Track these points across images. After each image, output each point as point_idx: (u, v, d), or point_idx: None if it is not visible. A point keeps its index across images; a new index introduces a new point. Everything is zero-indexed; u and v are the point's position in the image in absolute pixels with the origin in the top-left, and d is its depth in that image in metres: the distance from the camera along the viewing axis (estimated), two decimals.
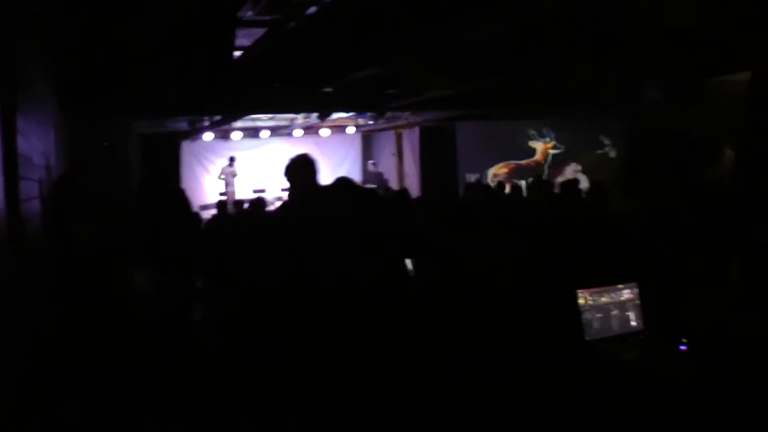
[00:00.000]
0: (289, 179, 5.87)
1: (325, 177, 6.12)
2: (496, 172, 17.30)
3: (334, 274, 5.56)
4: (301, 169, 5.95)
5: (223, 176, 18.72)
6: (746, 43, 5.94)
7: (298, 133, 17.95)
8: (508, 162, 17.47)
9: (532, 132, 17.43)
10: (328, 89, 11.96)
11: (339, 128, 18.39)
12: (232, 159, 18.63)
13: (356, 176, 18.59)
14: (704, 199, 7.19)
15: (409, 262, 6.65)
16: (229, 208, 13.56)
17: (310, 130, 18.05)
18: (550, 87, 12.38)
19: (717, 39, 8.08)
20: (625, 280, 4.73)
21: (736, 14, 6.90)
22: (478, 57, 9.18)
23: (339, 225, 5.76)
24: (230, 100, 11.95)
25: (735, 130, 6.11)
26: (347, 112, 15.66)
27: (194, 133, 16.69)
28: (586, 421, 4.59)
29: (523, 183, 15.21)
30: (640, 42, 8.25)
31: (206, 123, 15.70)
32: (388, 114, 15.58)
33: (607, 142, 17.08)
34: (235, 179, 18.71)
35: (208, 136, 17.24)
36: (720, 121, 9.73)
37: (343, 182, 6.43)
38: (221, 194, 17.59)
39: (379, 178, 19.01)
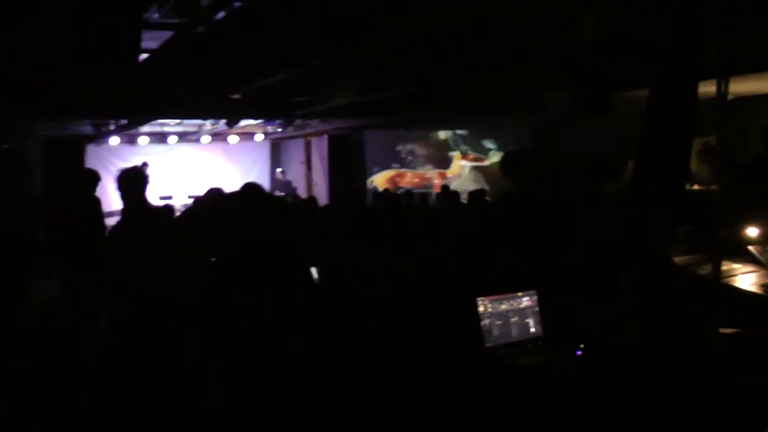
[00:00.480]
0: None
1: (233, 184, 6.12)
2: (376, 180, 17.52)
3: (239, 279, 5.55)
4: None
5: None
6: (646, 59, 6.14)
7: (206, 139, 17.79)
8: (390, 171, 17.68)
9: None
10: (236, 96, 11.89)
11: (247, 135, 18.26)
12: (144, 164, 18.28)
13: (264, 184, 18.46)
14: (603, 211, 7.40)
15: (314, 270, 6.68)
16: None
17: (219, 136, 17.89)
18: (457, 96, 12.52)
19: (619, 54, 8.32)
20: (525, 288, 4.83)
21: (637, 31, 7.11)
22: (386, 65, 9.25)
23: (245, 231, 5.75)
24: (135, 104, 11.72)
25: (636, 145, 6.29)
26: (255, 119, 15.55)
27: (100, 136, 16.32)
28: (485, 427, 4.68)
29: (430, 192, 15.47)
30: (542, 55, 8.42)
31: (112, 127, 15.36)
32: (297, 122, 15.52)
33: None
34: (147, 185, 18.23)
35: (114, 140, 16.82)
36: (623, 135, 10.00)
37: (250, 188, 6.42)
38: None
39: (287, 186, 18.95)
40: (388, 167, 17.76)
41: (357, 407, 5.35)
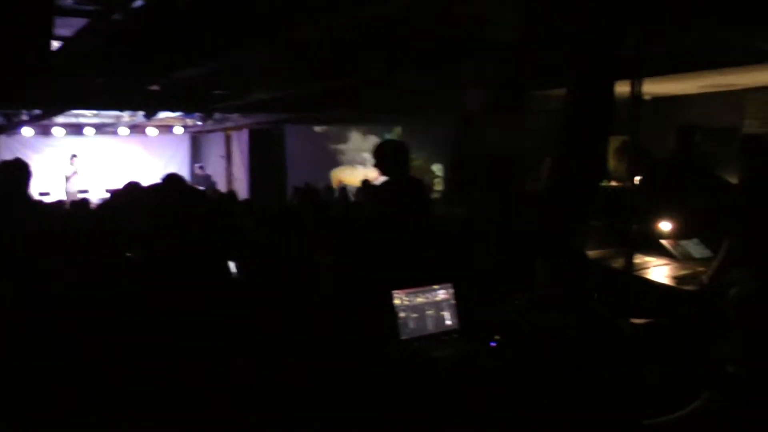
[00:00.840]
0: None
1: (152, 177, 6.01)
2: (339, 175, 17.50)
3: (157, 273, 5.46)
4: None
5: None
6: (563, 59, 6.22)
7: (123, 131, 17.41)
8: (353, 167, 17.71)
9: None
10: (154, 87, 11.70)
11: (166, 128, 18.02)
12: (73, 156, 17.79)
13: (184, 177, 18.24)
14: (520, 207, 7.49)
15: (232, 265, 6.62)
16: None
17: (137, 128, 17.55)
18: (378, 93, 12.55)
19: (537, 53, 8.42)
20: (441, 281, 4.84)
21: (554, 30, 7.20)
22: (306, 59, 9.20)
23: (164, 224, 5.67)
24: (48, 94, 11.37)
25: (553, 142, 6.39)
26: (174, 111, 15.32)
27: (12, 127, 15.89)
28: (401, 418, 4.68)
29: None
30: (460, 53, 8.48)
31: (25, 117, 14.94)
32: (217, 115, 15.36)
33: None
34: (74, 178, 17.85)
35: (27, 131, 16.44)
36: (542, 133, 10.15)
37: (172, 179, 6.33)
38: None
39: (206, 180, 18.74)
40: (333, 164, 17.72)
41: (276, 400, 5.33)
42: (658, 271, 5.87)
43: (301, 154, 17.55)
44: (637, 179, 9.73)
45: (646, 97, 13.55)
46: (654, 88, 12.44)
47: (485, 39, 7.55)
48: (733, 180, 6.73)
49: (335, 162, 18.29)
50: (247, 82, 11.39)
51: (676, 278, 5.62)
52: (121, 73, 9.77)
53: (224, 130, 19.05)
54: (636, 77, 4.74)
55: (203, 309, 5.65)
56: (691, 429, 3.46)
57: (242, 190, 17.26)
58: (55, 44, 8.59)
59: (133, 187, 7.22)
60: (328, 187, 13.36)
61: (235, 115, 15.96)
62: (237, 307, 5.98)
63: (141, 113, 14.49)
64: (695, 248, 6.36)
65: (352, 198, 13.70)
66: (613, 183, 9.89)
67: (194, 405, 5.03)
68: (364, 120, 17.32)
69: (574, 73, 5.63)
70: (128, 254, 6.06)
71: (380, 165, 6.16)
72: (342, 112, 15.43)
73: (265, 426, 5.04)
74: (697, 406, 3.46)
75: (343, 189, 12.23)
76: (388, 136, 17.74)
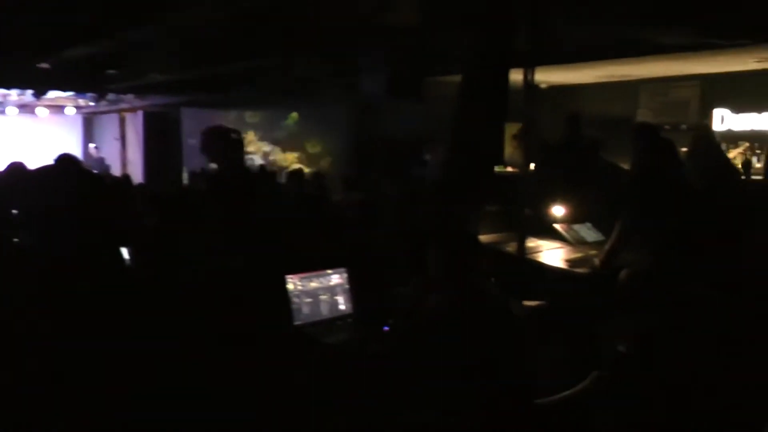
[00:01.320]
0: None
1: (42, 160, 5.78)
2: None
3: (50, 258, 5.29)
4: None
5: None
6: (458, 47, 6.25)
7: (12, 111, 16.84)
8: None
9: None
10: (44, 65, 11.32)
11: (58, 108, 17.50)
12: None
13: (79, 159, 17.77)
14: (416, 192, 7.52)
15: (125, 251, 6.47)
16: None
17: (26, 108, 16.97)
18: (274, 78, 12.43)
19: (433, 39, 8.45)
20: (335, 266, 4.81)
21: (451, 17, 7.23)
22: (199, 42, 9.05)
23: (54, 207, 5.48)
24: None
25: (448, 128, 6.43)
26: (65, 91, 14.86)
27: None
28: (293, 404, 4.65)
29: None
30: (357, 37, 8.45)
31: None
32: (111, 96, 14.98)
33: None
34: None
35: None
36: (439, 119, 10.21)
37: (65, 160, 6.10)
38: None
39: (100, 163, 18.25)
40: None
41: (170, 386, 5.24)
42: (551, 254, 5.97)
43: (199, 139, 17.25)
44: (532, 166, 9.95)
45: (543, 86, 13.87)
46: (550, 77, 12.68)
47: (382, 24, 7.52)
48: (626, 166, 6.91)
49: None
50: (140, 62, 11.13)
51: (568, 261, 5.73)
52: (7, 49, 9.42)
53: (119, 111, 18.60)
54: (529, 65, 4.78)
55: (97, 298, 5.51)
56: (582, 407, 3.52)
57: (137, 174, 16.87)
58: None
59: (16, 169, 6.95)
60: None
61: (129, 97, 15.62)
62: (130, 296, 5.86)
63: (30, 92, 14.03)
64: (587, 232, 6.51)
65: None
66: (509, 169, 10.02)
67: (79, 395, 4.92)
68: (260, 105, 17.14)
69: (469, 60, 5.65)
70: (15, 239, 5.86)
71: (205, 152, 6.01)
72: (237, 97, 15.27)
73: (161, 415, 4.97)
74: (586, 385, 3.52)
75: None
76: (283, 123, 17.70)
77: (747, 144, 11.61)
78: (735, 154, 11.35)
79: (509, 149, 11.69)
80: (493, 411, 3.45)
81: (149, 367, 5.32)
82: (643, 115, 13.15)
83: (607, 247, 5.51)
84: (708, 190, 5.77)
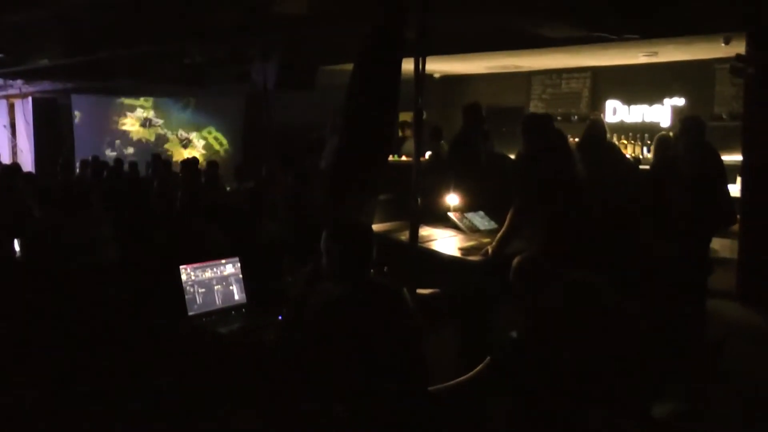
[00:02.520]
0: None
1: None
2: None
3: None
4: None
5: None
6: (350, 35, 6.27)
7: None
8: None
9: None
10: None
11: None
12: None
13: None
14: (309, 181, 7.52)
15: (16, 243, 6.33)
16: None
17: None
18: (165, 64, 12.25)
19: (325, 29, 8.45)
20: (228, 255, 4.80)
21: (343, 8, 7.24)
22: (88, 26, 8.86)
23: None
24: None
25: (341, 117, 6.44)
26: None
27: None
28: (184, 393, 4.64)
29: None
30: (247, 26, 8.40)
31: None
32: None
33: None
34: None
35: None
36: (332, 107, 10.21)
37: None
38: None
39: None
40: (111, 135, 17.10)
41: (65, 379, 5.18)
42: (445, 242, 6.06)
43: (91, 126, 16.87)
44: (427, 155, 10.05)
45: (436, 76, 14.01)
46: (443, 66, 12.83)
47: (274, 13, 7.49)
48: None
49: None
50: (26, 46, 10.82)
51: (462, 249, 5.82)
52: None
53: (7, 97, 18.04)
54: (420, 55, 4.82)
55: None
56: (474, 393, 3.59)
57: (27, 163, 16.41)
58: None
59: None
60: (118, 160, 12.86)
61: (18, 82, 15.18)
62: (20, 290, 5.74)
63: None
64: (480, 221, 6.62)
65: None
66: (404, 158, 10.11)
67: None
68: (152, 92, 16.86)
69: (361, 49, 5.67)
70: None
71: None
72: (129, 83, 15.01)
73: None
74: (480, 371, 3.59)
75: (133, 164, 11.81)
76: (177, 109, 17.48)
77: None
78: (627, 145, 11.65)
79: (402, 138, 11.82)
80: (385, 400, 3.49)
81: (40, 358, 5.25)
82: (535, 107, 13.42)
83: (499, 235, 5.63)
84: (597, 180, 5.92)
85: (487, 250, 5.61)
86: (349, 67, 5.44)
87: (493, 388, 3.66)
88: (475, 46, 10.24)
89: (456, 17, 7.28)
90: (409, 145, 10.40)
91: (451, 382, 3.70)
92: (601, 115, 11.97)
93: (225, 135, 17.39)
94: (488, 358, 3.67)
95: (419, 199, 4.89)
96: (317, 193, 6.64)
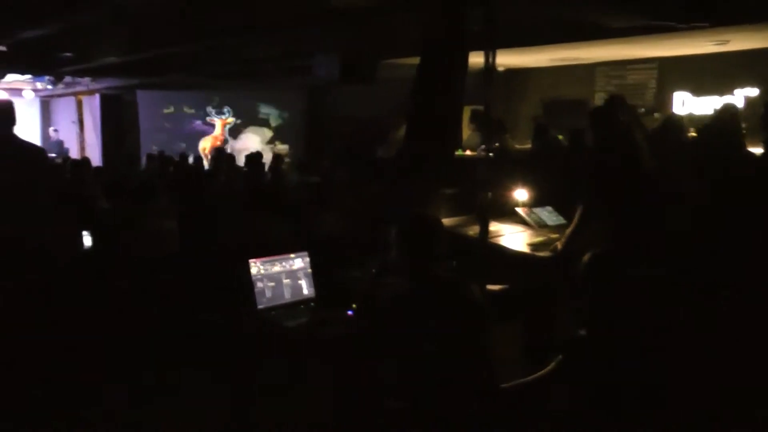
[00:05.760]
0: None
1: None
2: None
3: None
4: None
5: None
6: (415, 27, 6.24)
7: None
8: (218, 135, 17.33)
9: (210, 109, 17.35)
10: (0, 47, 11.16)
11: (15, 91, 17.24)
12: None
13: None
14: (372, 175, 7.51)
15: (86, 234, 6.44)
16: None
17: None
18: (226, 59, 12.35)
19: (387, 22, 8.42)
20: (296, 249, 4.81)
21: (407, 0, 7.21)
22: (151, 24, 8.96)
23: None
24: None
25: (404, 110, 6.42)
26: (22, 73, 14.69)
27: None
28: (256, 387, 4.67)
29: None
30: (308, 20, 8.40)
31: None
32: (67, 79, 14.83)
33: (266, 111, 17.47)
34: None
35: None
36: (393, 101, 10.18)
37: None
38: None
39: (59, 146, 18.04)
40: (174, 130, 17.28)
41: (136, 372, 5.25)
42: (513, 238, 6.00)
43: (154, 121, 17.11)
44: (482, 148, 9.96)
45: (499, 69, 13.89)
46: (504, 59, 12.70)
47: (335, 7, 7.48)
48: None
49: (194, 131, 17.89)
50: (93, 44, 11.00)
51: (530, 245, 5.77)
52: None
53: (75, 94, 18.40)
54: (490, 48, 4.76)
55: (56, 283, 5.48)
56: (545, 391, 3.56)
57: (95, 157, 16.71)
58: None
59: None
60: (183, 155, 13.03)
61: (86, 80, 15.46)
62: (91, 279, 5.82)
63: None
64: (548, 216, 6.54)
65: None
66: (468, 152, 10.06)
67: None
68: (214, 87, 17.02)
69: (427, 42, 5.64)
70: None
71: None
72: (188, 78, 15.16)
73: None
74: (551, 369, 3.55)
75: (198, 158, 11.96)
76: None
77: None
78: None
79: (465, 132, 11.76)
80: (453, 396, 3.48)
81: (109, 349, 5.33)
82: (599, 99, 13.23)
83: (568, 231, 5.55)
84: (666, 175, 5.81)
85: (556, 246, 5.54)
86: (410, 60, 5.41)
87: (562, 386, 3.61)
88: (539, 39, 10.13)
89: (521, 9, 7.20)
90: (471, 138, 10.33)
91: (523, 380, 3.66)
92: (669, 107, 11.75)
93: (285, 129, 17.43)
94: (560, 356, 3.62)
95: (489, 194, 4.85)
96: (380, 187, 6.64)
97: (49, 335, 5.18)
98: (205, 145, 16.86)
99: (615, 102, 6.66)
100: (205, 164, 13.42)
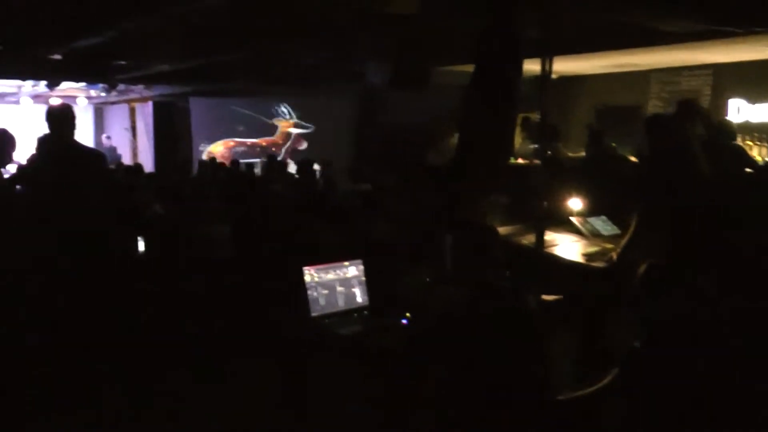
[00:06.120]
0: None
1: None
2: (213, 150, 17.11)
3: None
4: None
5: None
6: (469, 35, 6.21)
7: (26, 101, 16.84)
8: (227, 140, 17.36)
9: (281, 110, 17.45)
10: (56, 56, 11.33)
11: (70, 99, 17.48)
12: None
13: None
14: (425, 182, 7.48)
15: (140, 240, 6.51)
16: None
17: (40, 99, 16.88)
18: (277, 66, 12.40)
19: (440, 28, 8.39)
20: (351, 257, 4.80)
21: (460, 7, 7.17)
22: (204, 31, 9.03)
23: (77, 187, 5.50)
24: None
25: (457, 118, 6.40)
26: (76, 81, 14.90)
27: None
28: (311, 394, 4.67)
29: (258, 161, 15.32)
30: (362, 25, 8.40)
31: None
32: (121, 86, 15.01)
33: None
34: None
35: None
36: (448, 108, 10.13)
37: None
38: None
39: (112, 152, 18.28)
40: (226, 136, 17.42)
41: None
42: (567, 247, 5.95)
43: (207, 128, 17.28)
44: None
45: (553, 76, 13.79)
46: (558, 66, 12.55)
47: (387, 12, 7.47)
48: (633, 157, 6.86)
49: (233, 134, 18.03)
50: (147, 52, 11.12)
51: (584, 255, 5.71)
52: (21, 41, 9.42)
53: (128, 102, 18.64)
54: (546, 55, 4.72)
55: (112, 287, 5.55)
56: (601, 404, 3.51)
57: (147, 164, 16.89)
58: None
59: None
60: (234, 162, 13.14)
61: (139, 87, 15.65)
62: (144, 285, 5.88)
63: (43, 83, 14.09)
64: (603, 225, 6.47)
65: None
66: (520, 161, 10.00)
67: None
68: (265, 94, 17.12)
69: (482, 50, 5.60)
70: None
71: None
72: (241, 85, 15.25)
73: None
74: (607, 382, 3.50)
75: (249, 164, 12.07)
76: (283, 110, 17.63)
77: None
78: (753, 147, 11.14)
79: (516, 140, 11.67)
80: (508, 407, 3.44)
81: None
82: (653, 106, 13.07)
83: (624, 240, 5.47)
84: (722, 182, 5.72)
85: (612, 257, 5.48)
86: (463, 67, 5.37)
87: (619, 399, 3.56)
88: (594, 45, 10.02)
89: (576, 15, 7.13)
90: (523, 146, 10.26)
91: (579, 392, 3.61)
92: (724, 114, 11.55)
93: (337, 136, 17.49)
94: (616, 368, 3.57)
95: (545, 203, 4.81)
96: (432, 194, 6.61)
97: (110, 333, 5.28)
98: (216, 149, 17.02)
99: (685, 108, 6.59)
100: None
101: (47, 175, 5.60)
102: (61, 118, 5.71)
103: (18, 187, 6.04)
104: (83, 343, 5.20)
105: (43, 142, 5.75)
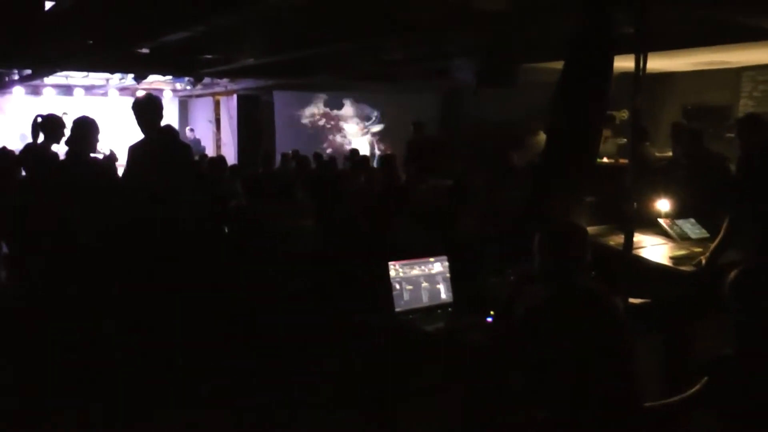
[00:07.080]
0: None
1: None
2: None
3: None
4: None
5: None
6: (558, 32, 6.13)
7: (113, 93, 17.21)
8: None
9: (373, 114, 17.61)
10: (144, 50, 11.54)
11: (156, 92, 17.80)
12: (63, 114, 17.54)
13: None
14: (511, 180, 7.43)
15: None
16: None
17: (126, 91, 17.32)
18: (363, 61, 12.43)
19: (528, 25, 8.31)
20: (436, 254, 4.79)
21: (550, 3, 7.09)
22: (289, 25, 9.10)
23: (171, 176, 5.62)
24: (38, 54, 11.19)
25: (546, 116, 6.33)
26: (163, 75, 15.19)
27: (2, 86, 15.69)
28: (394, 390, 4.67)
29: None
30: (449, 23, 8.37)
31: (15, 77, 14.71)
32: (206, 80, 15.26)
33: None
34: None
35: (18, 91, 16.20)
36: (533, 106, 10.05)
37: (171, 131, 6.23)
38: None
39: (196, 144, 18.61)
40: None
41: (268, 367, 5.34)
42: (654, 250, 5.83)
43: (290, 121, 17.46)
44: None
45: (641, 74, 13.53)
46: (647, 64, 12.32)
47: (475, 9, 7.42)
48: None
49: (326, 130, 18.16)
50: (234, 47, 11.26)
51: (672, 258, 5.59)
52: (110, 34, 9.62)
53: (213, 95, 18.93)
54: (641, 52, 4.62)
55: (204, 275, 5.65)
56: (691, 413, 3.43)
57: (230, 156, 17.13)
58: (48, 4, 8.44)
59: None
60: (317, 155, 13.22)
61: (224, 80, 15.88)
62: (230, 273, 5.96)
63: (131, 76, 14.38)
64: (691, 228, 6.32)
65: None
66: (605, 160, 9.86)
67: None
68: (351, 88, 17.20)
69: (571, 47, 5.53)
70: None
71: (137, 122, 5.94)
72: (326, 80, 15.34)
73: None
74: (697, 391, 3.42)
75: (332, 158, 12.14)
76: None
77: None
78: None
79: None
80: (593, 412, 3.39)
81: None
82: (745, 105, 12.73)
83: (714, 244, 5.35)
84: None
85: (701, 261, 5.36)
86: (551, 65, 5.31)
87: (709, 409, 3.47)
88: (686, 42, 9.78)
89: (669, 10, 6.98)
90: (609, 146, 10.12)
91: (669, 400, 3.54)
92: None
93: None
94: (706, 377, 3.48)
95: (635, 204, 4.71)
96: (518, 192, 6.56)
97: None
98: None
99: None
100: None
101: (150, 163, 5.73)
102: (149, 108, 5.81)
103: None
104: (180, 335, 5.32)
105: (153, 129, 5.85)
